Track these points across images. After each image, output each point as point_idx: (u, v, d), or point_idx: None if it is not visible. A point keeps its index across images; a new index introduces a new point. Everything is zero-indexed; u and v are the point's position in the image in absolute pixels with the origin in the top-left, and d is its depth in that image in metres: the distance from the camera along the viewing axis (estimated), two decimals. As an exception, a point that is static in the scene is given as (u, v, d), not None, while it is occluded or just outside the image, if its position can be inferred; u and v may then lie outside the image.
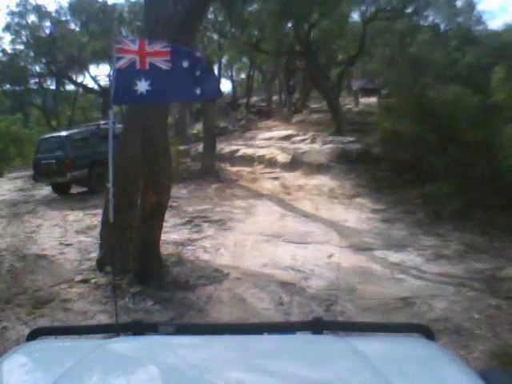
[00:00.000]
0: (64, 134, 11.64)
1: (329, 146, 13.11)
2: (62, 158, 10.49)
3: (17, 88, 20.99)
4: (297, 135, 15.55)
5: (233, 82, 29.35)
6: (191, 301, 4.59)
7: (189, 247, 6.35)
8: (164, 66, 2.94)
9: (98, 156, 9.52)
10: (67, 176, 10.49)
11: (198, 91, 3.04)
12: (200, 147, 13.24)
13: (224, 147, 14.25)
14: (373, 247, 6.35)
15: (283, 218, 8.05)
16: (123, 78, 2.95)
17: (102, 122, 11.31)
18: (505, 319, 4.04)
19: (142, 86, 2.90)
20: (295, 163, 12.10)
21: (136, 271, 4.96)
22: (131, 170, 5.33)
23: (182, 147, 13.03)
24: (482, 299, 4.49)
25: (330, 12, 14.18)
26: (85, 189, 11.01)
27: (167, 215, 5.57)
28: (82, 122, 23.83)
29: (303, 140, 14.68)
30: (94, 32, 19.47)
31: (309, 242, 6.61)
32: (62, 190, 11.17)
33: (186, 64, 2.98)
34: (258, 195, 9.80)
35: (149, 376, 0.97)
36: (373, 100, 16.90)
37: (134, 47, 2.95)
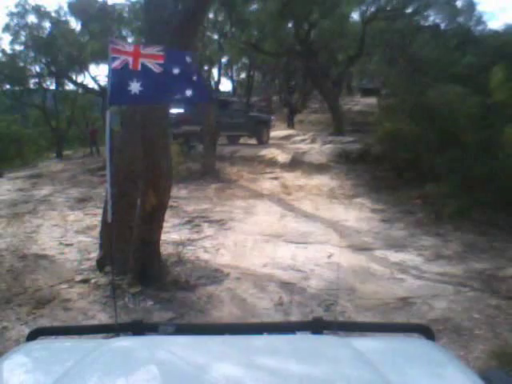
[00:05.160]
0: None
1: (329, 145, 13.14)
2: (180, 115, 12.64)
3: (17, 88, 20.94)
4: (297, 135, 15.59)
5: (233, 81, 29.33)
6: (191, 301, 4.59)
7: (189, 247, 6.34)
8: (155, 69, 2.96)
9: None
10: (181, 128, 12.61)
11: (188, 94, 3.05)
12: (200, 147, 13.26)
13: (224, 147, 14.26)
14: (373, 247, 6.35)
15: (283, 217, 8.05)
16: (118, 78, 2.96)
17: (220, 95, 14.76)
18: (505, 319, 4.04)
19: (135, 86, 2.92)
20: (295, 163, 12.11)
21: (136, 271, 4.95)
22: (131, 170, 5.32)
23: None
24: (481, 299, 4.49)
25: (330, 12, 14.20)
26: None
27: (167, 215, 5.56)
28: (82, 121, 23.80)
29: (303, 140, 14.72)
30: (94, 32, 19.40)
31: (309, 241, 6.61)
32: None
33: (176, 70, 3.00)
34: (258, 195, 9.80)
35: (149, 376, 0.97)
36: (373, 100, 16.91)
37: (129, 48, 2.99)
